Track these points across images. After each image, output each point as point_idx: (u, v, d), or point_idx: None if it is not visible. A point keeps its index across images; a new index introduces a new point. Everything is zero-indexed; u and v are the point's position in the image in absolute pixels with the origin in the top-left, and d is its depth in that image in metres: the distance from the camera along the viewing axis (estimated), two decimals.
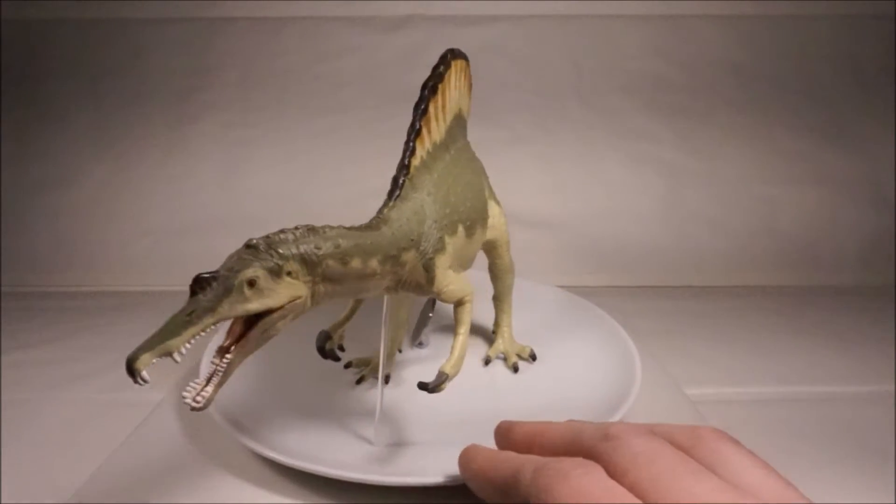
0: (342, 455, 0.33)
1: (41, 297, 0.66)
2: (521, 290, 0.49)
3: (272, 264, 0.24)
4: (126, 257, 0.71)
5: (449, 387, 0.31)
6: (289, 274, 0.25)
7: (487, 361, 0.45)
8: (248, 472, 0.34)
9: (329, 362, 0.38)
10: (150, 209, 0.74)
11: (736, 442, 0.22)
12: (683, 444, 0.22)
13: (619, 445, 0.22)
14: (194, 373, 0.45)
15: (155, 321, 0.23)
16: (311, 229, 0.26)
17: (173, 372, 0.45)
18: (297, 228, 0.26)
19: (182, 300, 0.23)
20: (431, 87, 0.33)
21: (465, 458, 0.27)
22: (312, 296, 0.26)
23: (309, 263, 0.25)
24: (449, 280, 0.31)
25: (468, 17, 0.76)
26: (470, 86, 0.40)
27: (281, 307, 0.25)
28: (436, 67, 0.34)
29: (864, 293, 0.65)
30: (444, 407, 0.37)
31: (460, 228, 0.32)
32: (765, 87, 0.76)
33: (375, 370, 0.42)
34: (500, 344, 0.46)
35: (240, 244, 0.26)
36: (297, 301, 0.25)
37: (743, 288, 0.66)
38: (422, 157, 0.31)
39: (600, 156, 0.75)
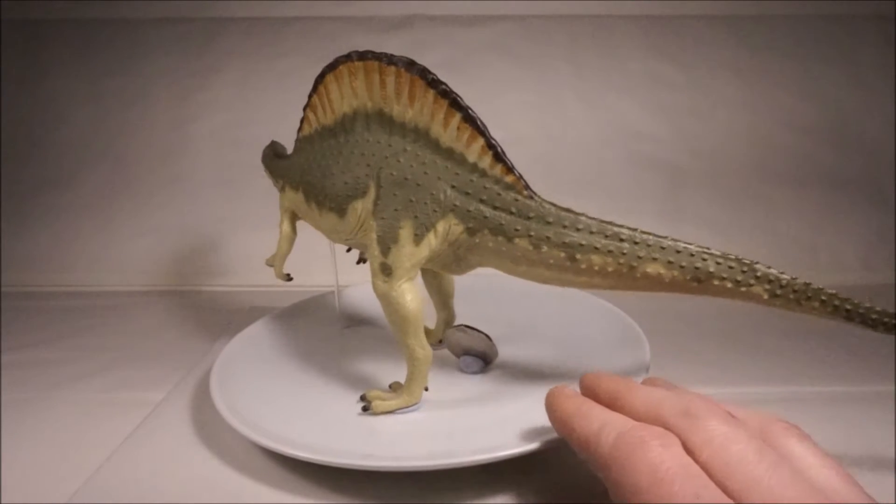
0: (350, 445, 0.32)
1: (41, 297, 0.66)
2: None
3: None
4: (126, 257, 0.71)
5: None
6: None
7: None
8: (249, 469, 0.34)
9: (335, 357, 0.44)
10: (150, 209, 0.74)
11: (806, 437, 0.23)
12: (755, 432, 0.22)
13: (697, 424, 0.22)
14: (193, 378, 0.45)
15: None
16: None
17: (173, 372, 0.46)
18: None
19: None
20: (315, 81, 0.38)
21: (552, 401, 0.28)
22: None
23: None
24: (284, 207, 0.44)
25: (468, 17, 0.76)
26: (382, 85, 0.33)
27: None
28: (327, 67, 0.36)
29: (864, 293, 0.64)
30: (445, 389, 0.38)
31: (288, 188, 0.42)
32: (765, 87, 0.76)
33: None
34: (384, 396, 0.37)
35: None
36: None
37: None
38: (308, 133, 0.39)
39: (600, 156, 0.75)
